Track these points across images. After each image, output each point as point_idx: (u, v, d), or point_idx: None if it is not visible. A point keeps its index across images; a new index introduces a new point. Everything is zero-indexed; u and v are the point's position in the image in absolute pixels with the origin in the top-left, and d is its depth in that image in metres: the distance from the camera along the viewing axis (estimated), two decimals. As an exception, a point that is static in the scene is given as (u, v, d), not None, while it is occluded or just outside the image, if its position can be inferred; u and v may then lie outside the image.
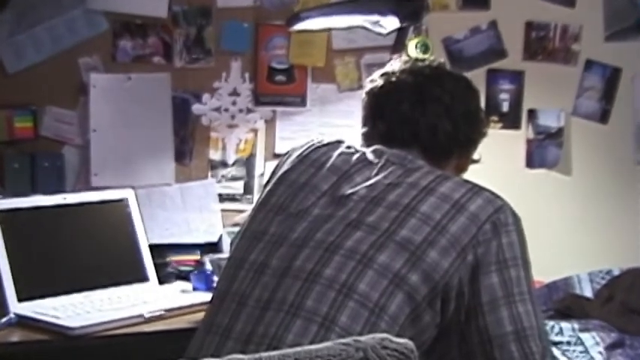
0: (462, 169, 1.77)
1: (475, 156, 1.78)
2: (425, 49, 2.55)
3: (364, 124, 1.78)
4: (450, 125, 1.69)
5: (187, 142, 2.82)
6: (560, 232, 2.86)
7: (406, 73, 1.75)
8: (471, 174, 1.75)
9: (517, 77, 2.90)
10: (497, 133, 2.86)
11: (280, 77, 2.85)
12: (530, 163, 2.91)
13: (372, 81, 1.79)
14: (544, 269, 2.31)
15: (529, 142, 2.91)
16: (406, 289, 1.45)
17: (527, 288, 1.51)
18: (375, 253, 1.48)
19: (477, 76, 2.76)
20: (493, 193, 1.55)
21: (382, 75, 1.77)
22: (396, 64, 1.78)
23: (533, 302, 1.51)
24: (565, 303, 2.36)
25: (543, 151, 2.89)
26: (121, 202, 2.48)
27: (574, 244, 2.86)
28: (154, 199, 2.77)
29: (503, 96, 2.90)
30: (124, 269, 2.41)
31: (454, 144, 1.71)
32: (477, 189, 1.55)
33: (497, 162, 2.72)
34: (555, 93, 2.91)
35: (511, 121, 2.90)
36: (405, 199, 1.53)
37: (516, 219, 1.54)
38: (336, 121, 2.85)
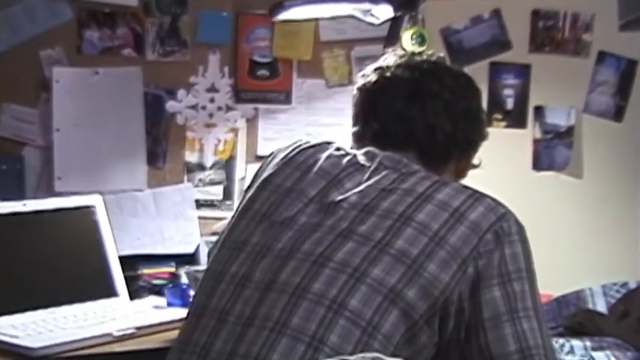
0: (461, 174, 1.78)
1: (475, 160, 1.80)
2: (421, 40, 2.57)
3: (355, 123, 1.79)
4: (449, 124, 1.71)
5: (161, 143, 2.83)
6: (570, 240, 2.88)
7: (402, 68, 1.76)
8: (472, 178, 1.76)
9: (523, 71, 2.91)
10: (501, 133, 2.87)
11: (263, 72, 2.85)
12: (537, 165, 2.92)
13: (364, 76, 1.80)
14: (553, 282, 2.32)
15: (536, 142, 2.92)
16: (402, 306, 1.46)
17: (533, 303, 1.52)
18: (368, 267, 1.49)
19: (478, 70, 2.78)
20: (495, 200, 1.57)
21: (375, 69, 1.79)
22: (390, 58, 1.80)
23: (539, 319, 1.52)
24: (576, 319, 2.37)
25: (551, 152, 2.91)
26: (88, 210, 2.48)
27: (585, 254, 2.87)
28: (124, 205, 2.78)
29: (508, 92, 2.91)
30: (90, 283, 2.41)
31: (453, 146, 1.72)
32: (477, 195, 1.56)
33: (500, 164, 2.73)
34: (565, 88, 2.92)
35: (516, 119, 2.92)
36: (399, 207, 1.54)
37: (520, 228, 1.55)
38: (324, 120, 2.86)
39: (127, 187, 2.79)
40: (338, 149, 1.71)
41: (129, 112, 2.79)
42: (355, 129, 1.78)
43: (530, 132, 2.92)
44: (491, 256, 1.50)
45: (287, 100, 2.87)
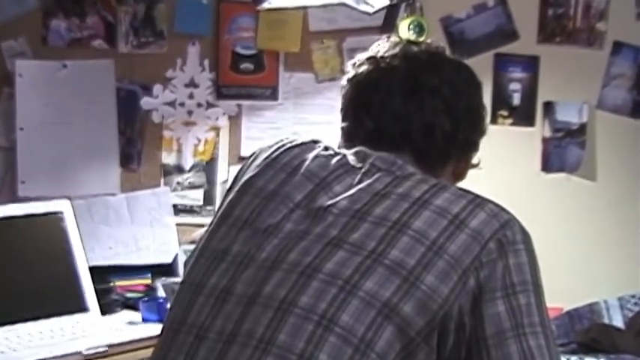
0: (460, 176, 1.77)
1: (474, 160, 1.79)
2: (419, 30, 2.56)
3: (344, 118, 1.78)
4: (448, 123, 1.70)
5: (135, 143, 2.83)
6: (582, 248, 2.88)
7: (398, 59, 1.76)
8: (474, 181, 1.76)
9: (531, 63, 2.92)
10: (507, 131, 2.87)
11: (247, 65, 2.86)
12: (547, 166, 2.92)
13: (355, 65, 1.79)
14: (564, 294, 2.33)
15: (545, 141, 2.92)
16: (397, 322, 1.46)
17: (540, 318, 1.51)
18: (361, 279, 1.48)
19: (482, 63, 2.78)
20: (498, 206, 1.56)
21: (369, 59, 1.78)
22: (384, 47, 1.79)
23: (546, 335, 1.51)
24: (590, 334, 2.37)
25: (562, 151, 2.91)
26: (55, 216, 2.48)
27: (600, 263, 2.87)
28: (94, 211, 2.78)
29: (514, 86, 2.92)
30: (58, 297, 2.41)
31: (453, 146, 1.72)
32: (479, 200, 1.56)
33: (506, 165, 2.74)
34: (577, 82, 2.92)
35: (523, 116, 2.92)
36: (394, 214, 1.53)
37: (526, 236, 1.55)
38: (313, 117, 2.87)
39: (98, 192, 2.79)
40: (326, 149, 1.70)
41: (100, 109, 2.79)
42: (345, 124, 1.77)
43: (539, 130, 2.92)
44: (495, 267, 1.50)
45: (273, 95, 2.87)
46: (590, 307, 2.54)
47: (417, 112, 1.70)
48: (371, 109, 1.73)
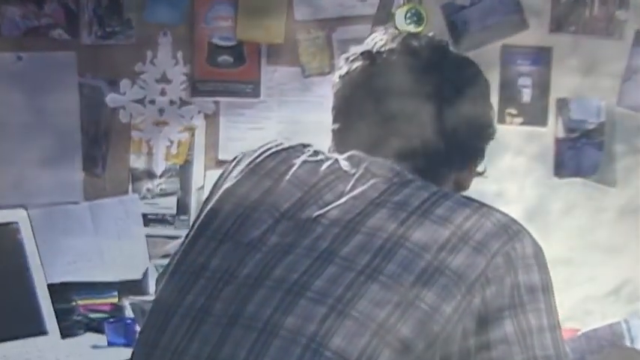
0: (463, 185, 1.78)
1: (479, 168, 1.80)
2: (418, 19, 2.57)
3: (336, 119, 1.79)
4: (450, 128, 1.71)
5: (100, 145, 2.83)
6: (600, 262, 2.88)
7: (396, 54, 1.76)
8: (480, 187, 1.77)
9: (542, 56, 2.93)
10: (516, 131, 2.87)
11: (225, 58, 2.86)
12: (561, 170, 2.93)
13: (349, 60, 1.80)
14: (580, 313, 2.34)
15: (559, 142, 2.93)
16: (395, 345, 1.47)
17: (552, 341, 1.53)
18: (354, 297, 1.49)
19: (488, 56, 2.78)
20: (506, 215, 1.57)
21: (364, 54, 1.79)
22: (381, 39, 1.79)
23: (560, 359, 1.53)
24: (610, 358, 2.38)
25: (578, 153, 2.92)
26: (9, 227, 2.48)
27: (621, 279, 2.88)
28: (54, 221, 2.78)
29: (524, 81, 2.92)
30: (13, 318, 2.41)
31: (455, 153, 1.73)
32: (484, 210, 1.57)
33: (515, 170, 2.74)
34: (594, 76, 2.93)
35: (534, 114, 2.92)
36: (390, 224, 1.54)
37: (537, 249, 1.56)
38: (300, 116, 2.87)
39: (58, 200, 2.79)
40: (316, 153, 1.71)
41: (60, 106, 2.80)
42: (336, 126, 1.78)
43: (552, 130, 2.93)
44: (502, 283, 1.51)
45: (254, 92, 2.87)
46: (610, 328, 2.54)
47: (415, 116, 1.71)
48: (364, 112, 1.73)
